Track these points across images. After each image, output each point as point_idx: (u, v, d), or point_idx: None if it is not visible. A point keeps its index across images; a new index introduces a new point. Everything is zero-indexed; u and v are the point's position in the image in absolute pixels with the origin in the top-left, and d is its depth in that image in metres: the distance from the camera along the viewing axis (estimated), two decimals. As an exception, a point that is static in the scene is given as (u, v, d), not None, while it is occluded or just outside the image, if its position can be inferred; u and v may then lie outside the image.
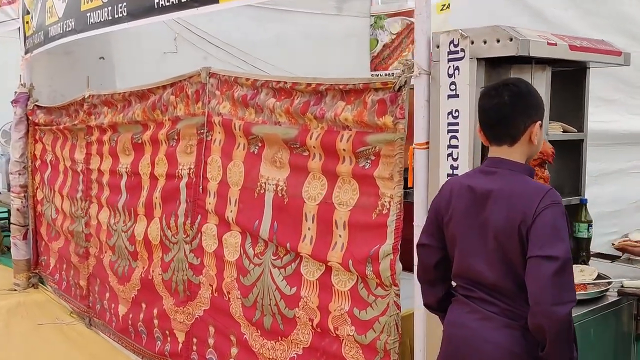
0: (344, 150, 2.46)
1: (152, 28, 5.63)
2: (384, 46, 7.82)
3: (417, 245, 1.94)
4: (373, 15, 7.88)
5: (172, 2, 3.17)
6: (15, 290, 5.32)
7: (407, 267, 2.34)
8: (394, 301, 2.31)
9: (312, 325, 2.62)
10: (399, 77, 2.26)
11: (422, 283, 1.95)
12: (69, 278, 4.73)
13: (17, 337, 4.26)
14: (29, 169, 5.32)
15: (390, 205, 2.32)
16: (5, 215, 7.27)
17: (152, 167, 3.59)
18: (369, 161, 2.40)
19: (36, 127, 5.20)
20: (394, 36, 7.71)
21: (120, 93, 3.88)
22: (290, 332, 2.73)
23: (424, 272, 1.92)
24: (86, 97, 4.24)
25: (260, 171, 2.88)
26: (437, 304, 1.91)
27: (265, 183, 2.85)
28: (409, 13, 7.49)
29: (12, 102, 5.26)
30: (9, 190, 6.60)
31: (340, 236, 2.50)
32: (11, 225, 5.37)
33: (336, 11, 7.59)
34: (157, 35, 6.19)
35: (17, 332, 4.37)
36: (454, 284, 1.88)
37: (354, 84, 2.45)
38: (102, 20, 3.70)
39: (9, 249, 6.95)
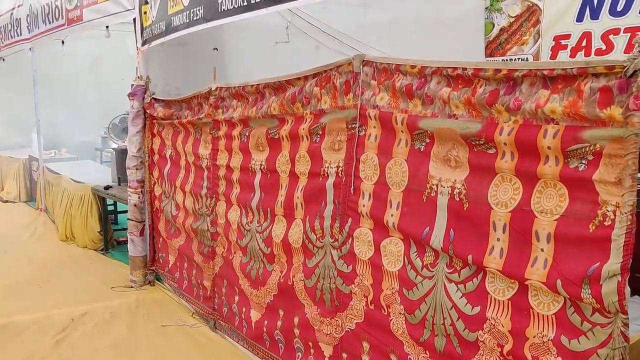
0: (548, 148, 2.07)
1: (264, 18, 5.45)
2: (500, 30, 7.28)
3: None
4: (488, -3, 7.37)
5: (323, -18, 2.87)
6: (132, 287, 5.24)
7: (637, 291, 1.94)
8: (621, 331, 1.91)
9: (501, 352, 2.26)
10: (634, 59, 1.85)
11: None
12: (190, 277, 4.57)
13: (144, 339, 4.13)
14: (146, 164, 5.20)
15: (615, 216, 1.92)
16: (112, 208, 7.32)
17: (292, 164, 3.31)
18: (584, 162, 2.00)
19: (154, 120, 5.07)
20: (513, 19, 7.16)
21: (252, 85, 3.62)
22: (470, 357, 2.38)
23: None
24: (213, 89, 4.02)
25: (430, 171, 2.53)
26: None
27: (436, 185, 2.50)
28: (531, -7, 6.94)
29: (128, 95, 5.15)
30: (119, 184, 6.60)
31: (542, 250, 2.11)
32: (128, 221, 5.29)
33: (450, -6, 7.16)
34: (269, 25, 5.99)
35: (142, 333, 4.24)
36: None
37: (563, 69, 2.05)
38: (237, 6, 3.45)
39: (118, 242, 6.98)
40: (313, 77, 3.18)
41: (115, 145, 7.06)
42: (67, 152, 10.36)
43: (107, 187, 6.37)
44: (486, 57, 7.34)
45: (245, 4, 3.37)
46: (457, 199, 2.41)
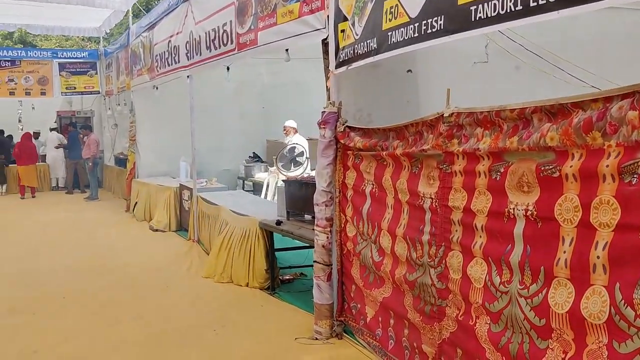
0: None
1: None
2: None
3: None
4: None
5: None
6: (316, 339, 4.62)
7: None
8: None
9: None
10: None
11: None
12: (400, 338, 3.86)
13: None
14: (337, 200, 4.61)
15: None
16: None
17: (585, 211, 2.52)
18: None
19: (348, 151, 4.47)
20: None
21: (513, 109, 2.89)
22: None
23: None
24: (446, 115, 3.33)
25: None
26: None
27: None
28: None
29: (319, 124, 4.60)
30: (287, 219, 6.10)
31: None
32: (314, 264, 4.69)
33: (673, 3, 6.12)
34: (467, 42, 5.29)
35: (348, 403, 3.59)
36: None
37: None
38: (509, 10, 2.73)
39: (282, 281, 6.46)
40: (622, 97, 2.40)
41: (283, 178, 6.59)
42: (217, 181, 10.15)
43: (278, 223, 5.87)
44: None
45: (520, 8, 2.65)
46: None
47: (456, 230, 3.28)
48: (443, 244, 3.37)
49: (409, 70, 5.02)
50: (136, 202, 11.69)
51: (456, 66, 5.28)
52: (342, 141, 4.48)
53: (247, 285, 6.28)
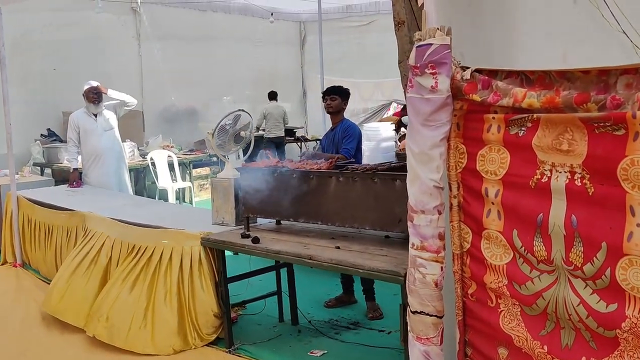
0: None
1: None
2: None
3: None
4: None
5: None
6: None
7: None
8: None
9: None
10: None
11: None
12: None
13: None
14: (457, 202, 2.62)
15: None
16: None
17: None
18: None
19: (485, 115, 2.52)
20: None
21: None
22: None
23: None
24: None
25: None
26: None
27: None
28: None
29: (420, 67, 2.54)
30: (247, 229, 3.85)
31: None
32: (414, 318, 2.64)
33: None
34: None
35: None
36: None
37: None
38: None
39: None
40: None
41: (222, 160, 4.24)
42: (30, 172, 7.04)
43: (255, 239, 3.58)
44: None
45: None
46: None
47: None
48: None
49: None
50: None
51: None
52: (471, 96, 2.50)
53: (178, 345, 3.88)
